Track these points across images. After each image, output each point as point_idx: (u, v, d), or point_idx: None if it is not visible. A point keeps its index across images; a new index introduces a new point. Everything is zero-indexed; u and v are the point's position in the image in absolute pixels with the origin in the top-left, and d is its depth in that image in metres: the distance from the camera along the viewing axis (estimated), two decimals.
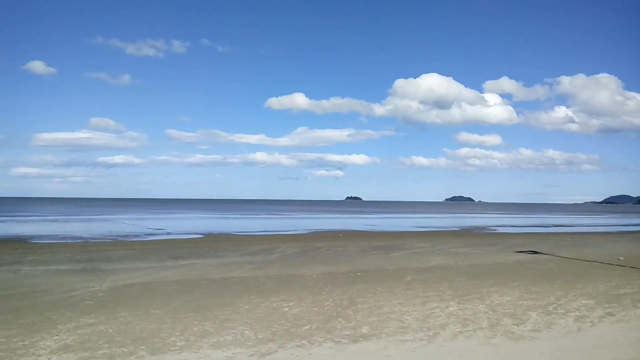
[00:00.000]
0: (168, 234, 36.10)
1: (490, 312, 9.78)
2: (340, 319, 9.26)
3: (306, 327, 8.59)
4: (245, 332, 8.29)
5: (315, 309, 10.20)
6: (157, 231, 38.44)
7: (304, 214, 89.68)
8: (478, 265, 17.93)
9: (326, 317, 9.41)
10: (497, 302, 10.88)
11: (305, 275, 15.09)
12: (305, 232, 39.46)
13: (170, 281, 14.00)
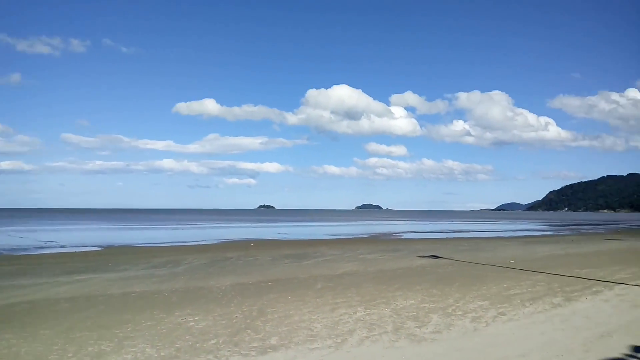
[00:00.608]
0: (62, 247, 33.25)
1: (395, 316, 10.10)
2: (249, 330, 9.04)
3: (213, 342, 8.26)
4: (147, 349, 7.78)
5: (223, 321, 9.87)
6: (49, 244, 35.26)
7: (214, 223, 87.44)
8: (385, 271, 18.54)
9: (234, 329, 9.13)
10: (401, 305, 11.28)
11: (214, 288, 14.61)
12: (214, 242, 38.40)
13: (62, 298, 12.82)
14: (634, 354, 7.08)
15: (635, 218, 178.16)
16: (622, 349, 7.34)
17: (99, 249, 31.21)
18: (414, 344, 8.04)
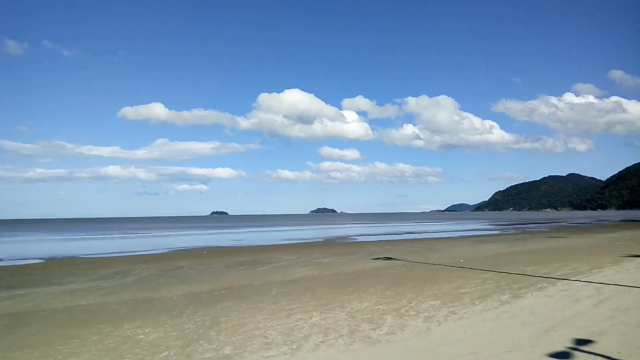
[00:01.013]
0: (0, 260, 31.30)
1: (350, 319, 10.13)
2: (201, 341, 8.80)
3: (164, 354, 7.98)
4: None
5: (174, 333, 9.56)
6: None
7: (164, 231, 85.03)
8: (340, 274, 18.61)
9: (186, 340, 8.87)
10: (356, 308, 11.34)
11: (164, 298, 14.16)
12: (165, 251, 37.28)
13: (1, 315, 12.04)
14: (577, 346, 7.42)
15: (575, 216, 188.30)
16: (566, 343, 7.67)
17: (41, 261, 29.58)
18: (368, 346, 8.08)
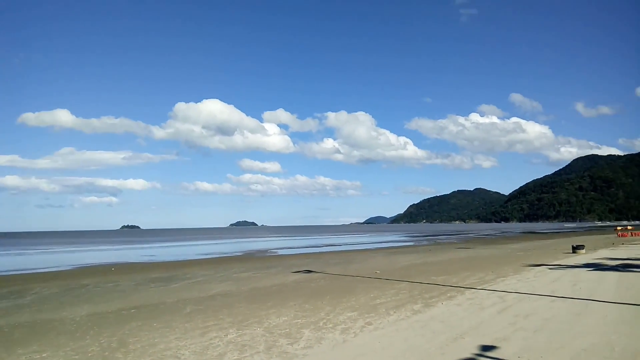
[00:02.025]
0: None
1: (267, 335, 9.92)
2: None
3: None
4: None
5: (76, 356, 8.80)
6: None
7: (68, 247, 79.09)
8: (259, 289, 18.29)
9: None
10: (274, 323, 11.15)
11: (66, 319, 13.05)
12: (68, 268, 34.58)
13: None
14: (482, 352, 7.80)
15: (481, 228, 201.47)
16: (473, 350, 8.05)
17: None
18: None
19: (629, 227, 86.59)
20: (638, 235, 64.97)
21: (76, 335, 10.79)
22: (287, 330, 10.36)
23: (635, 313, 10.60)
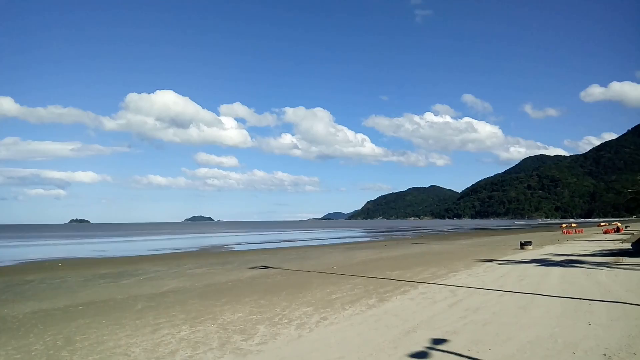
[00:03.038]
0: None
1: (221, 331, 9.78)
2: None
3: None
4: None
5: (18, 356, 8.38)
6: None
7: (12, 241, 75.34)
8: (213, 285, 18.02)
9: None
10: (229, 320, 11.00)
11: (8, 317, 12.40)
12: (11, 263, 32.93)
13: None
14: (433, 346, 7.99)
15: (435, 224, 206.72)
16: (425, 343, 8.22)
17: None
18: (239, 358, 7.84)
19: (574, 225, 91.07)
20: (581, 232, 68.50)
21: (18, 334, 10.27)
22: (242, 326, 10.24)
23: (577, 306, 11.15)
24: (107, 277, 22.13)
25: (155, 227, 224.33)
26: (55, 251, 48.44)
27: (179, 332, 9.86)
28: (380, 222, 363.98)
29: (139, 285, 18.86)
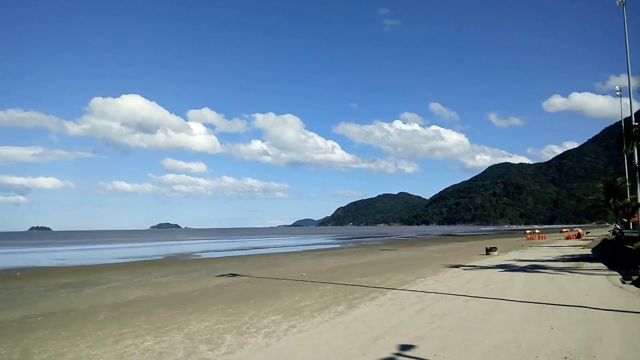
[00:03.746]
0: None
1: (187, 341, 9.55)
2: None
3: None
4: None
5: None
6: None
7: None
8: (179, 294, 17.65)
9: None
10: (195, 329, 10.77)
11: None
12: None
13: None
14: (401, 352, 8.01)
15: (404, 230, 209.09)
16: (392, 349, 8.24)
17: None
18: None
19: (537, 231, 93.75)
20: (544, 238, 70.53)
21: None
22: (208, 335, 10.04)
23: (540, 311, 11.42)
24: (69, 286, 21.39)
25: (120, 234, 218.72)
26: (13, 260, 46.54)
27: (143, 343, 9.59)
28: (350, 229, 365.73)
29: (102, 294, 18.30)
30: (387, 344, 8.59)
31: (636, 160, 31.92)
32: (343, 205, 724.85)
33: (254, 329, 10.52)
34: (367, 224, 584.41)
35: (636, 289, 14.69)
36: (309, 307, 13.31)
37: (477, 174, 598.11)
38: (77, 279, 24.93)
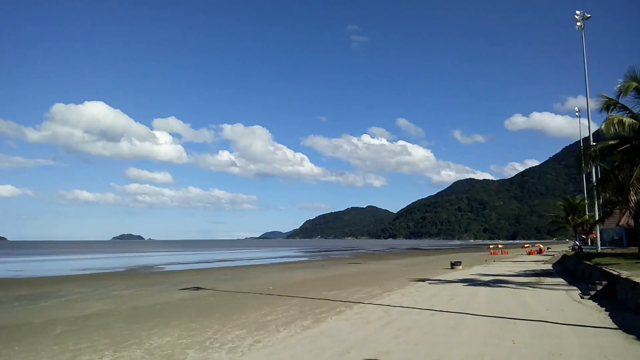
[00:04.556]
0: None
1: (147, 357, 9.24)
2: None
3: None
4: None
5: None
6: None
7: None
8: (141, 307, 17.13)
9: None
10: (156, 344, 10.44)
11: None
12: None
13: None
14: None
15: (372, 244, 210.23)
16: None
17: None
18: None
19: (500, 246, 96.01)
20: (507, 253, 72.24)
21: None
22: (170, 351, 9.75)
23: (503, 325, 11.61)
24: (24, 299, 20.47)
25: (81, 245, 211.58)
26: None
27: (102, 358, 9.23)
28: (319, 242, 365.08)
29: (60, 307, 17.58)
30: (353, 359, 8.54)
31: (594, 178, 33.21)
32: (311, 218, 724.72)
33: (217, 344, 10.28)
34: (335, 237, 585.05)
35: (594, 303, 15.17)
36: (274, 321, 13.14)
37: (442, 189, 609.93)
38: (33, 291, 23.89)
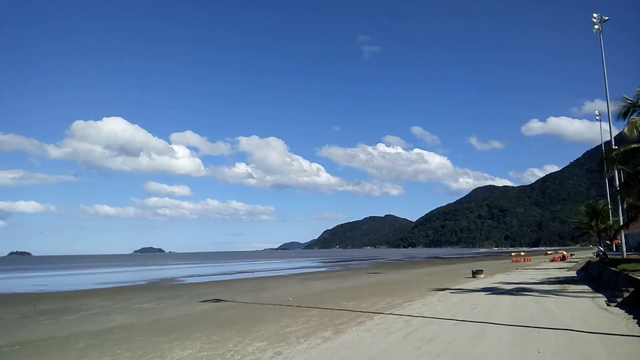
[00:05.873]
0: None
1: None
2: None
3: None
4: None
5: None
6: None
7: None
8: (162, 320, 17.25)
9: None
10: (177, 357, 10.50)
11: None
12: None
13: None
14: None
15: (390, 253, 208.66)
16: None
17: None
18: None
19: (522, 253, 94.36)
20: (530, 260, 70.95)
21: None
22: None
23: (527, 334, 11.38)
24: (48, 313, 20.80)
25: (102, 259, 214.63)
26: None
27: None
28: (337, 252, 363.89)
29: (83, 321, 17.81)
30: None
31: (617, 183, 32.49)
32: (329, 228, 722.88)
33: (238, 357, 10.28)
34: (353, 247, 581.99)
35: (621, 311, 14.77)
36: (295, 332, 13.09)
37: (461, 197, 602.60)
38: (56, 305, 24.27)
